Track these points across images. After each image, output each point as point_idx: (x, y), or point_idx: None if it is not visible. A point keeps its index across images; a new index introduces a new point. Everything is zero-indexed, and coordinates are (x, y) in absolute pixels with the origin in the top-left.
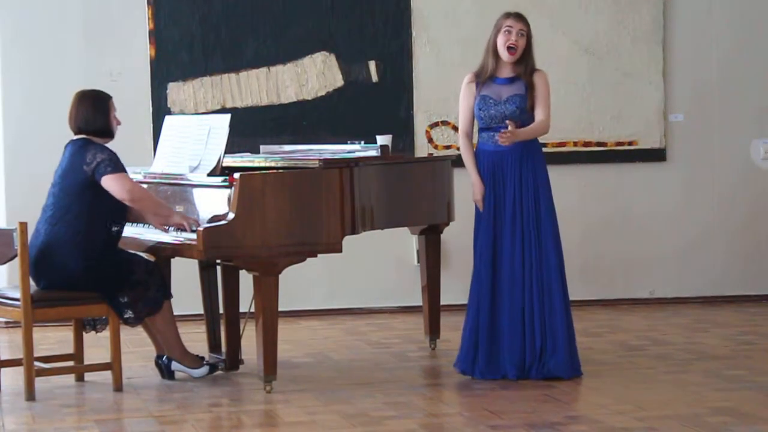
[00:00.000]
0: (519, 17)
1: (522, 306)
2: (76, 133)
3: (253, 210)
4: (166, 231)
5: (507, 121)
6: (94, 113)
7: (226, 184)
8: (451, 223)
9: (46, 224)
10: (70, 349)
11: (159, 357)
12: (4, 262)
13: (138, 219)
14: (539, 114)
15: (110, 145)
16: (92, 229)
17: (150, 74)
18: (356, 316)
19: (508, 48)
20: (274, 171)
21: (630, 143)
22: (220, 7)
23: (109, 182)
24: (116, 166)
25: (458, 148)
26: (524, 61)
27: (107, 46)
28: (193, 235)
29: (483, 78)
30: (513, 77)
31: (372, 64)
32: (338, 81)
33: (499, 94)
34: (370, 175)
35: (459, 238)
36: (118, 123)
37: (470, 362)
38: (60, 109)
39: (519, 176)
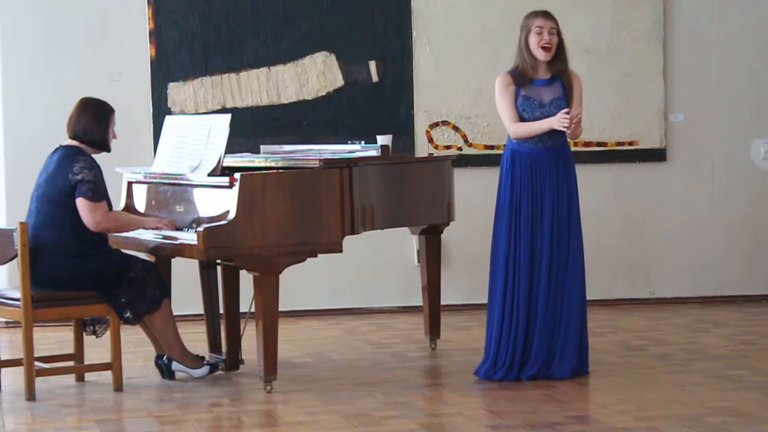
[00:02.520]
0: (547, 15)
1: (560, 307)
2: (70, 138)
3: (253, 210)
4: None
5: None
6: (94, 124)
7: (227, 184)
8: (451, 223)
9: (30, 230)
10: (70, 349)
11: (159, 357)
12: (5, 262)
13: None
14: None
15: (104, 156)
16: (78, 233)
17: (150, 74)
18: (356, 316)
19: (543, 48)
20: (274, 171)
21: (630, 143)
22: (220, 7)
23: (82, 207)
24: (96, 193)
25: (459, 148)
26: (559, 58)
27: (107, 46)
28: (194, 236)
29: (523, 81)
30: (551, 78)
31: (372, 64)
32: (338, 81)
33: (540, 96)
34: (370, 175)
35: (459, 238)
36: (114, 137)
37: (509, 367)
38: (60, 109)
39: (557, 177)
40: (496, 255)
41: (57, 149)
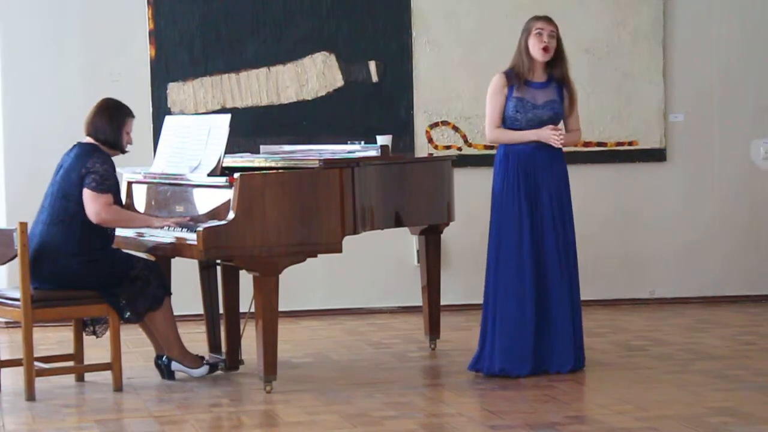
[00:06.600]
0: (548, 20)
1: (570, 300)
2: (86, 135)
3: (253, 210)
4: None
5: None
6: (107, 125)
7: (227, 184)
8: (451, 223)
9: (41, 225)
10: (70, 349)
11: (159, 357)
12: (4, 262)
13: None
14: (574, 124)
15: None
16: (88, 230)
17: (150, 74)
18: (356, 316)
19: (543, 49)
20: (274, 171)
21: (630, 143)
22: (220, 7)
23: (86, 197)
24: (101, 185)
25: (459, 148)
26: (557, 63)
27: (107, 46)
28: (193, 235)
29: (518, 82)
30: (547, 81)
31: (372, 64)
32: (338, 81)
33: (534, 97)
34: (370, 175)
35: (459, 238)
36: (130, 142)
37: (515, 361)
38: (60, 109)
39: (551, 175)
40: (495, 254)
41: (74, 146)
